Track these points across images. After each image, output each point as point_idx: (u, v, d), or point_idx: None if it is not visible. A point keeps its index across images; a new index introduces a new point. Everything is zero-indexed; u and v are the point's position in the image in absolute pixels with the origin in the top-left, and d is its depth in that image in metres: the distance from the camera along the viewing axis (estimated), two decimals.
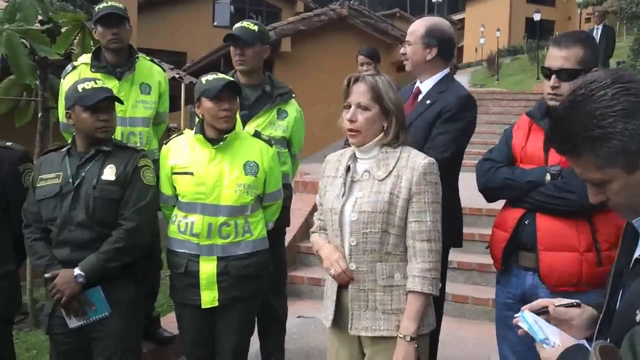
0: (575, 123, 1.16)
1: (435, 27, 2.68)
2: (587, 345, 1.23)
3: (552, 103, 2.23)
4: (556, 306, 1.38)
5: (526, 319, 1.32)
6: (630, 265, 1.23)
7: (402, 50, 2.77)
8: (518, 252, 2.29)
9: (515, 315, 1.37)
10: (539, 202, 2.21)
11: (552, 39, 2.33)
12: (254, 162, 2.58)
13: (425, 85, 2.74)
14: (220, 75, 2.57)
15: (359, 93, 2.02)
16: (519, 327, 2.27)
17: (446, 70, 2.75)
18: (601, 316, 1.28)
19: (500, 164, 2.36)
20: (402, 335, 1.96)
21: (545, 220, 2.20)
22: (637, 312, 1.03)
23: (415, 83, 2.81)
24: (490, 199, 2.47)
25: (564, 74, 2.17)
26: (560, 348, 1.23)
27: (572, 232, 2.17)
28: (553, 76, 2.19)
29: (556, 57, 2.19)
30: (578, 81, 1.21)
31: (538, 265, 2.21)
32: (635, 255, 1.22)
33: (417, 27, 2.70)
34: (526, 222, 2.25)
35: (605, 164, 1.14)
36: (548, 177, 2.20)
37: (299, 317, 4.35)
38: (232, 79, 2.58)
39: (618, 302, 1.24)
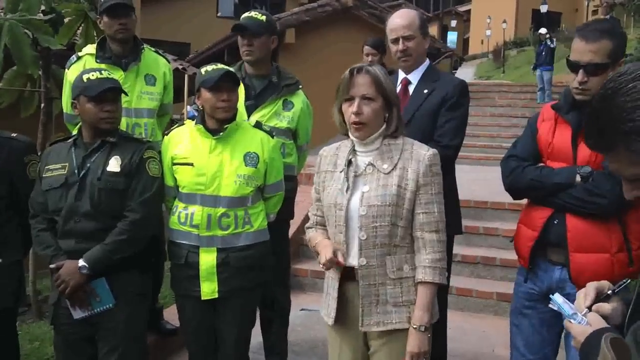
0: (607, 118, 1.13)
1: (423, 15, 2.77)
2: (613, 329, 1.23)
3: (579, 97, 2.16)
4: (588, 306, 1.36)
5: (556, 300, 1.36)
6: None
7: (400, 48, 2.72)
8: (546, 248, 2.25)
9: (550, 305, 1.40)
10: (568, 204, 2.16)
11: (577, 29, 2.26)
12: (254, 153, 2.56)
13: (413, 75, 2.77)
14: (220, 66, 2.55)
15: (363, 85, 1.99)
16: (535, 317, 2.27)
17: (427, 59, 2.83)
18: (629, 311, 1.26)
19: (527, 162, 2.30)
20: (416, 326, 1.96)
21: (576, 220, 2.16)
22: None
23: (396, 74, 2.80)
24: (516, 197, 2.42)
25: (593, 68, 2.10)
26: (589, 328, 1.23)
27: (603, 232, 2.13)
28: (581, 71, 2.11)
29: (584, 51, 2.11)
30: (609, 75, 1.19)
31: (567, 261, 2.17)
32: None
33: (412, 18, 2.72)
34: (555, 222, 2.20)
35: (639, 158, 1.11)
36: (578, 178, 2.15)
37: (302, 309, 4.35)
38: (230, 69, 2.56)
39: None
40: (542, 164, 2.29)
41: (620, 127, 1.11)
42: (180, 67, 8.37)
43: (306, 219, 5.19)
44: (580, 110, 2.17)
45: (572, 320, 1.28)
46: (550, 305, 1.39)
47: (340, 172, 2.06)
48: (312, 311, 4.28)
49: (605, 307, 1.34)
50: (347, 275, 2.05)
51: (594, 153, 2.12)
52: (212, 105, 2.50)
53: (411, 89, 2.77)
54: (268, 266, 2.70)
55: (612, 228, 2.13)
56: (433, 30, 28.06)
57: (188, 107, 8.59)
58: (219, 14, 22.66)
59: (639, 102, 1.09)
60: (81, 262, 2.37)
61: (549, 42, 13.59)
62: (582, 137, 2.14)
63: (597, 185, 2.10)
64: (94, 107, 2.43)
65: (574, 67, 2.15)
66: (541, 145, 2.30)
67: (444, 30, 30.08)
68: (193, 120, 2.65)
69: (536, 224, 2.25)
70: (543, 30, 14.34)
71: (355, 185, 2.03)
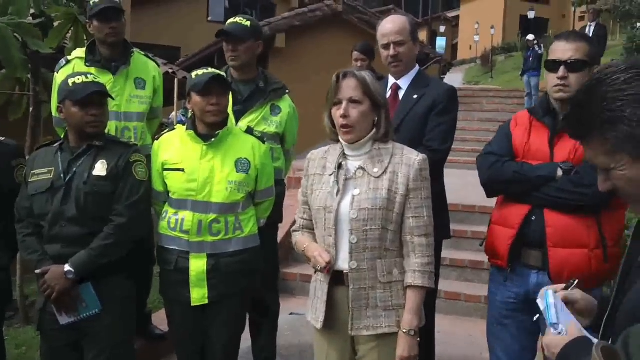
0: (589, 106, 1.16)
1: (413, 20, 2.76)
2: (591, 337, 1.23)
3: (558, 95, 2.22)
4: (557, 292, 1.37)
5: (547, 298, 1.31)
6: (639, 262, 1.23)
7: (391, 53, 2.73)
8: (522, 249, 2.26)
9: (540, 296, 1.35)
10: (552, 197, 2.18)
11: (556, 36, 2.35)
12: (245, 159, 2.56)
13: (403, 81, 2.80)
14: (210, 70, 2.55)
15: (350, 88, 2.01)
16: (514, 327, 2.28)
17: (417, 65, 2.86)
18: (607, 313, 1.27)
19: (505, 157, 2.33)
20: (405, 330, 1.98)
21: (555, 216, 2.18)
22: None
23: (385, 79, 2.82)
24: (493, 193, 2.42)
25: (574, 65, 2.18)
26: (566, 338, 1.22)
27: (582, 228, 2.16)
28: (562, 67, 2.19)
29: (565, 49, 2.21)
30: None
31: (544, 264, 2.19)
32: None
33: (403, 24, 2.74)
34: (533, 218, 2.22)
35: (612, 149, 1.14)
36: (560, 172, 2.19)
37: (291, 314, 4.35)
38: (220, 73, 2.57)
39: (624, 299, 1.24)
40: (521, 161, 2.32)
41: (599, 115, 1.13)
42: (170, 71, 8.35)
43: (295, 222, 5.23)
44: (556, 115, 2.24)
45: (552, 329, 1.26)
46: (537, 300, 1.35)
47: (330, 175, 2.07)
48: (301, 315, 4.28)
49: (576, 294, 1.37)
50: (336, 279, 2.05)
51: (572, 152, 2.19)
52: (202, 109, 2.50)
53: (401, 94, 2.79)
54: (258, 271, 2.70)
55: (589, 224, 2.16)
56: (422, 35, 28.19)
57: (177, 113, 8.57)
58: (209, 18, 22.62)
59: (619, 93, 1.11)
60: (67, 267, 2.36)
61: (536, 48, 13.71)
62: (559, 139, 2.21)
63: (582, 176, 2.14)
64: (79, 111, 2.42)
65: (553, 65, 2.22)
66: (516, 146, 2.33)
67: (433, 35, 30.24)
68: (184, 125, 2.65)
69: (513, 221, 2.26)
70: (531, 36, 14.47)
71: (345, 189, 2.03)
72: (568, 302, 1.36)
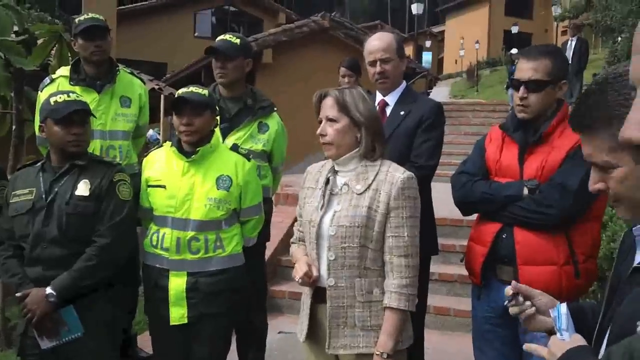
0: (601, 99, 1.15)
1: (399, 37, 2.80)
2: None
3: (521, 115, 2.25)
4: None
5: (559, 309, 1.37)
6: (628, 274, 1.22)
7: (377, 70, 2.73)
8: (496, 265, 2.29)
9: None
10: (518, 216, 2.21)
11: (522, 51, 2.36)
12: (227, 176, 2.54)
13: (390, 97, 2.81)
14: (186, 90, 2.52)
15: (327, 107, 2.05)
16: (497, 341, 2.29)
17: (404, 81, 2.86)
18: (597, 326, 1.27)
19: (476, 177, 2.36)
20: (379, 352, 1.94)
21: (524, 233, 2.21)
22: (638, 322, 1.01)
23: (373, 96, 2.83)
24: (466, 212, 2.47)
25: (532, 85, 2.19)
26: (568, 344, 1.24)
27: (550, 245, 2.18)
28: (522, 87, 2.21)
29: (525, 68, 2.22)
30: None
31: (517, 279, 2.20)
32: (634, 263, 1.20)
33: (389, 41, 2.75)
34: (504, 236, 2.25)
35: (617, 146, 1.12)
36: (525, 191, 2.21)
37: (279, 332, 4.28)
38: (203, 91, 2.53)
39: (614, 313, 1.23)
40: (491, 180, 2.35)
41: (610, 111, 1.12)
42: (156, 87, 8.33)
43: (283, 240, 5.21)
44: (525, 130, 2.26)
45: (558, 334, 1.30)
46: (550, 311, 1.41)
47: (319, 189, 2.08)
48: (289, 334, 4.23)
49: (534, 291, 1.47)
50: (318, 295, 2.05)
51: (539, 169, 2.21)
52: (177, 129, 2.51)
53: (388, 110, 2.80)
54: (242, 290, 2.66)
55: (558, 240, 2.17)
56: (408, 50, 28.51)
57: (162, 131, 8.53)
58: (196, 34, 22.72)
59: (634, 91, 1.10)
60: (48, 290, 2.31)
61: None
62: (529, 154, 2.23)
63: (545, 196, 2.17)
64: (61, 130, 2.39)
65: (516, 84, 2.24)
66: (489, 163, 2.37)
67: (419, 50, 30.63)
68: (157, 143, 2.64)
69: (485, 239, 2.29)
70: (514, 51, 14.68)
71: (329, 204, 2.04)
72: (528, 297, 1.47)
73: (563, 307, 1.36)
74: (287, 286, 4.94)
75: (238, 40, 3.04)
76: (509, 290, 1.51)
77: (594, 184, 1.21)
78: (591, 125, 1.17)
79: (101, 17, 3.20)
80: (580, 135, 1.22)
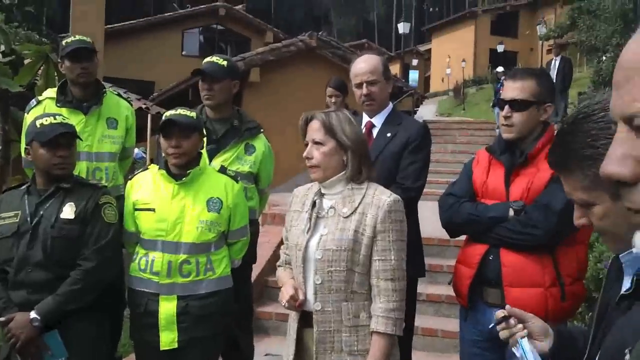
0: (572, 140, 1.16)
1: (385, 59, 2.84)
2: None
3: (505, 135, 2.29)
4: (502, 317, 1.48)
5: (522, 346, 1.37)
6: (616, 301, 1.23)
7: (364, 92, 2.74)
8: (482, 288, 2.30)
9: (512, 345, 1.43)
10: (503, 237, 2.22)
11: (508, 73, 2.41)
12: (217, 198, 2.54)
13: (377, 119, 2.83)
14: (175, 112, 2.53)
15: (313, 130, 2.06)
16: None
17: (390, 103, 2.89)
18: (587, 353, 1.27)
19: (463, 199, 2.38)
20: None
21: (510, 255, 2.22)
22: (626, 351, 1.02)
23: (359, 117, 2.86)
24: (453, 234, 2.49)
25: (516, 105, 2.23)
26: None
27: (536, 267, 2.19)
28: (506, 106, 2.25)
29: (510, 88, 2.27)
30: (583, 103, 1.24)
31: (503, 301, 2.21)
32: (622, 290, 1.21)
33: (376, 64, 2.77)
34: (490, 258, 2.26)
35: (591, 185, 1.13)
36: (511, 212, 2.23)
37: (266, 355, 4.24)
38: (170, 115, 2.52)
39: (603, 340, 1.23)
40: (477, 201, 2.37)
41: (581, 152, 1.14)
42: (143, 106, 8.33)
43: (270, 260, 5.18)
44: (511, 152, 2.30)
45: None
46: (513, 349, 1.40)
47: (306, 212, 2.07)
48: (276, 356, 4.19)
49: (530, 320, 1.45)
50: (306, 320, 2.03)
51: (525, 190, 2.23)
52: (165, 151, 2.50)
53: (375, 132, 2.82)
54: (230, 313, 2.64)
55: (544, 262, 2.19)
56: (395, 68, 28.74)
57: (149, 150, 8.50)
58: (183, 53, 22.74)
59: (603, 131, 1.11)
60: (33, 315, 2.28)
61: None
62: (515, 176, 2.26)
63: (530, 217, 2.19)
64: (46, 152, 2.38)
65: (501, 104, 2.28)
66: (476, 186, 2.39)
67: (406, 68, 30.86)
68: (143, 162, 2.64)
69: (472, 261, 2.30)
70: (500, 69, 14.86)
71: (316, 227, 2.03)
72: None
73: (525, 343, 1.37)
74: (274, 307, 4.90)
75: (225, 62, 3.06)
76: (499, 313, 1.49)
77: (578, 220, 1.22)
78: (566, 166, 1.19)
79: (88, 39, 3.20)
80: (558, 174, 1.24)
